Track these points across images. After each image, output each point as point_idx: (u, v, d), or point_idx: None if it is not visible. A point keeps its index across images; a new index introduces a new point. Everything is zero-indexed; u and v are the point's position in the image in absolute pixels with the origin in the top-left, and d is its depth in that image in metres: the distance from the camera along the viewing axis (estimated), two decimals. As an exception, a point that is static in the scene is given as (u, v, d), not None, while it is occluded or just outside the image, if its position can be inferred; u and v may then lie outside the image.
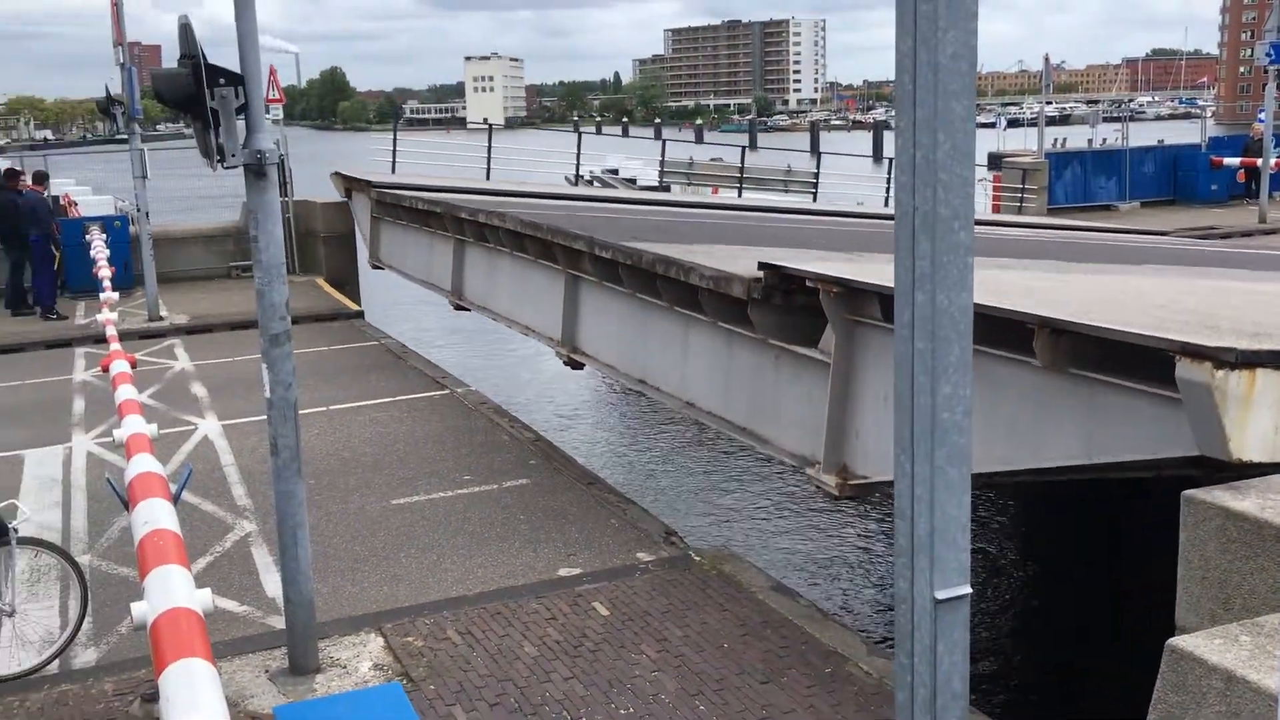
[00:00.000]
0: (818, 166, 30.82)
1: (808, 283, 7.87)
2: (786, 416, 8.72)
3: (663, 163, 29.79)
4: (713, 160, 34.44)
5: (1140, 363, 5.51)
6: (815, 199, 29.05)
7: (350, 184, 20.62)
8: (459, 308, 15.71)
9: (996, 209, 29.30)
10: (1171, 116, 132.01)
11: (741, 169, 29.68)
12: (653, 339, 10.48)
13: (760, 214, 19.69)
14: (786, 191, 29.79)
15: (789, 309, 8.30)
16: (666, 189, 29.11)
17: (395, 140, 24.18)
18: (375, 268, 19.72)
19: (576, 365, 12.20)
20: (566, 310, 11.98)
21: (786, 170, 30.98)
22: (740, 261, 9.17)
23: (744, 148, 31.60)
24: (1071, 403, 6.16)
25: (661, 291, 9.78)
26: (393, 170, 23.52)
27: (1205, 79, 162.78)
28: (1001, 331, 6.14)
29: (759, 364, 8.94)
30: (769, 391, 8.88)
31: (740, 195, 28.48)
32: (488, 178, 25.01)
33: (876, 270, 7.99)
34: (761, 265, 8.27)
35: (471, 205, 14.42)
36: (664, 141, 30.49)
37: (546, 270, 12.44)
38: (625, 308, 10.88)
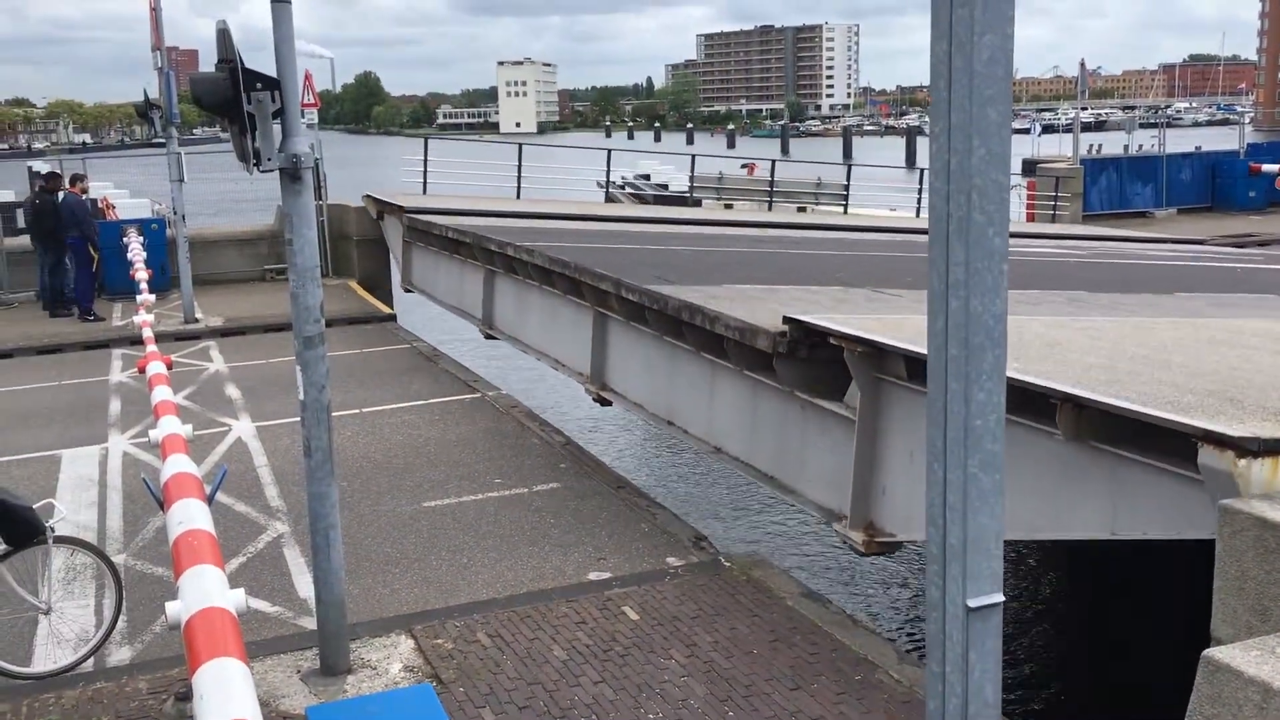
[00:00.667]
0: (848, 177, 30.55)
1: (831, 339, 7.79)
2: (813, 468, 8.63)
3: (693, 177, 29.61)
4: (743, 167, 34.32)
5: (1164, 439, 5.46)
6: (846, 210, 28.99)
7: (382, 207, 20.62)
8: (489, 336, 15.76)
9: (1031, 216, 29.08)
10: (1209, 123, 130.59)
11: (771, 182, 29.51)
12: (680, 381, 10.41)
13: (787, 232, 19.62)
14: (817, 203, 29.65)
15: (814, 361, 8.20)
16: (698, 203, 29.04)
17: (426, 160, 23.86)
18: (407, 291, 19.75)
19: (605, 402, 12.15)
20: (595, 347, 11.92)
21: (817, 182, 30.80)
22: (766, 307, 9.12)
23: (774, 161, 31.32)
24: (1095, 476, 6.08)
25: (687, 335, 9.71)
26: (424, 190, 23.38)
27: (1244, 85, 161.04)
28: (1025, 400, 6.05)
29: (785, 414, 8.87)
30: (795, 442, 8.81)
31: (770, 208, 28.46)
32: (518, 195, 25.00)
33: (903, 325, 7.90)
34: (786, 320, 8.22)
35: (500, 237, 14.39)
36: (694, 157, 30.14)
37: (575, 306, 12.37)
38: (653, 348, 10.79)
